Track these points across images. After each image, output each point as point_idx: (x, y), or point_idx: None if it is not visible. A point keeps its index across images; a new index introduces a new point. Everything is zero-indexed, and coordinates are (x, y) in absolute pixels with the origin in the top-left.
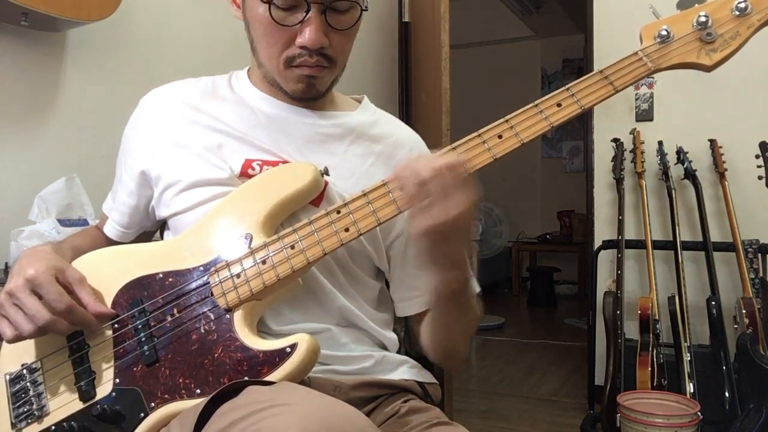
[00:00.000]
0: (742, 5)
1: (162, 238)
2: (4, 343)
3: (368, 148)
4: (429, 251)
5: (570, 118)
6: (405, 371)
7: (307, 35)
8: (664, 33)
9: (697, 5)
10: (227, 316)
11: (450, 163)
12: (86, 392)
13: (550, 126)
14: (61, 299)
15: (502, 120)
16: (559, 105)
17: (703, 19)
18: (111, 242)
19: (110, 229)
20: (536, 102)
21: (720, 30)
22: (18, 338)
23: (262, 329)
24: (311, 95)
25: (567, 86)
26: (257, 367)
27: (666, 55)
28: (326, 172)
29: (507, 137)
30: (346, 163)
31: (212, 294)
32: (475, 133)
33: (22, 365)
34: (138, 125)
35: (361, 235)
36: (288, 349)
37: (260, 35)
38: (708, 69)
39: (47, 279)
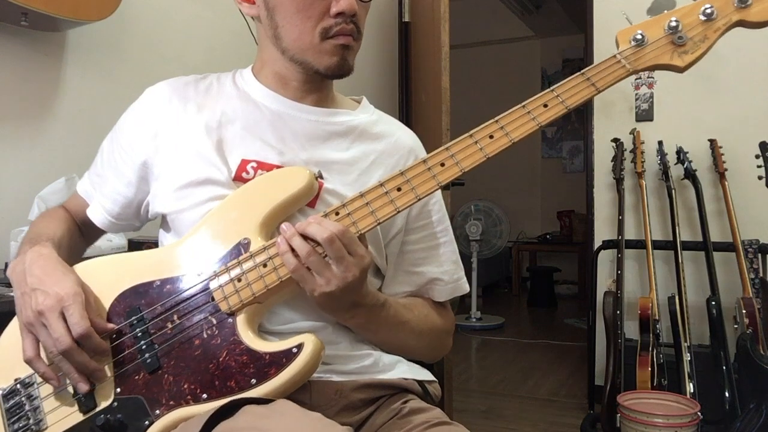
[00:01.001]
0: (709, 11)
1: (158, 235)
2: None
3: (370, 146)
4: (323, 309)
5: (556, 117)
6: (404, 370)
7: (342, 2)
8: (638, 37)
9: (666, 11)
10: (230, 320)
11: (332, 235)
12: (86, 403)
13: (538, 126)
14: (80, 323)
15: (491, 121)
16: (545, 105)
17: (673, 23)
18: (83, 225)
19: (99, 217)
20: (524, 103)
21: (690, 34)
22: (35, 363)
23: (259, 329)
24: (344, 70)
25: (552, 88)
26: (264, 369)
27: (641, 58)
28: (320, 175)
29: (498, 137)
30: (348, 160)
31: (213, 299)
32: (467, 134)
33: (15, 380)
34: (142, 115)
35: (360, 234)
36: (294, 350)
37: (292, 13)
38: (680, 70)
39: (76, 301)
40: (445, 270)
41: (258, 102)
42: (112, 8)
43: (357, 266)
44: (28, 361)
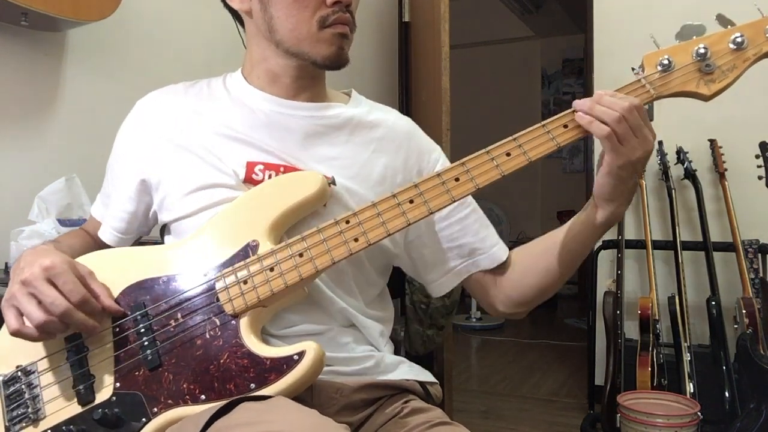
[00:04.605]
0: (739, 39)
1: (163, 241)
2: None
3: (368, 135)
4: (612, 189)
5: (576, 139)
6: (405, 371)
7: None
8: (665, 62)
9: (695, 37)
10: (233, 322)
11: (637, 104)
12: (85, 396)
13: (557, 146)
14: (77, 288)
15: (509, 138)
16: (565, 126)
17: (702, 50)
18: (101, 245)
19: (108, 236)
20: (543, 122)
21: (718, 62)
22: (22, 331)
23: (262, 332)
24: (341, 60)
25: (572, 109)
26: (264, 374)
27: (667, 84)
28: (333, 181)
29: (515, 155)
30: (348, 152)
31: (218, 299)
32: (484, 150)
33: (17, 367)
34: (135, 129)
35: (370, 245)
36: (296, 357)
37: (287, 4)
38: (706, 99)
39: (65, 269)
40: (483, 236)
41: (251, 105)
42: (112, 8)
43: (651, 138)
44: (15, 333)
